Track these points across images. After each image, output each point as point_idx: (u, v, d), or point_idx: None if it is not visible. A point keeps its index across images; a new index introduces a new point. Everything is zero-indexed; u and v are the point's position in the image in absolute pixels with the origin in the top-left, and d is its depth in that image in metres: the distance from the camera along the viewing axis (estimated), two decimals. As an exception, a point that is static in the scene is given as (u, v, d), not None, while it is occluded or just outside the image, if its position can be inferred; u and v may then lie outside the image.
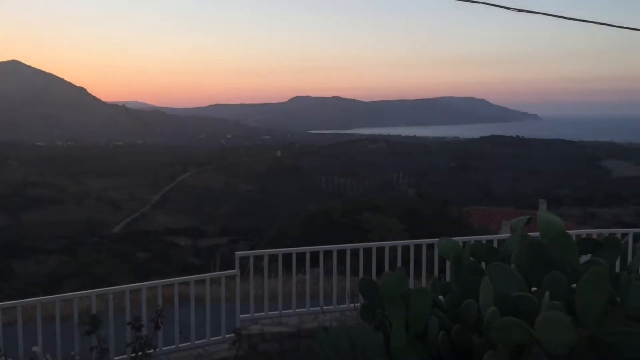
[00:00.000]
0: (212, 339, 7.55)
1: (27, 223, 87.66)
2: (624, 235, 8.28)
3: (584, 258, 3.88)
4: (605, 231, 8.41)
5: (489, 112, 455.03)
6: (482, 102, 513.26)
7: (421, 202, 29.37)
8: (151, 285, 7.38)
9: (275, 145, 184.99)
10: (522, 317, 3.14)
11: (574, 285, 3.34)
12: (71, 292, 7.51)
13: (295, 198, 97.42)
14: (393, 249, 8.07)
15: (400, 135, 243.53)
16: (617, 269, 4.51)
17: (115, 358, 6.74)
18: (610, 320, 3.28)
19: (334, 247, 8.10)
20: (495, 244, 7.44)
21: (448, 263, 6.47)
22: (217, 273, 8.03)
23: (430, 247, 7.82)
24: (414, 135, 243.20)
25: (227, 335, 7.55)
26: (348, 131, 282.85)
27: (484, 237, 8.42)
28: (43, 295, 7.50)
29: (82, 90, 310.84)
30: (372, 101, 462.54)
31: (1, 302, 6.90)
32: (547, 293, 3.20)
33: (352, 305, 7.48)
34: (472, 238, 8.05)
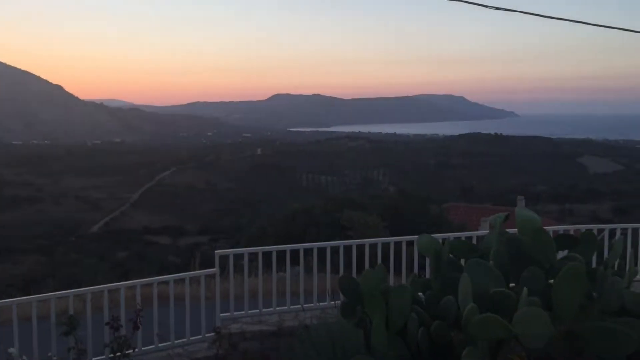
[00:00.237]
0: (192, 338, 7.51)
1: (4, 223, 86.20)
2: (601, 231, 8.41)
3: (562, 254, 3.93)
4: (582, 227, 8.52)
5: (467, 110, 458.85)
6: (461, 99, 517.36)
7: (402, 200, 29.49)
8: (130, 285, 7.31)
9: (255, 143, 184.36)
10: (500, 313, 3.17)
11: (552, 281, 3.38)
12: (48, 292, 7.42)
13: (276, 196, 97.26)
14: (373, 247, 8.10)
15: (380, 133, 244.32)
16: (594, 265, 4.57)
17: (93, 359, 6.67)
18: (587, 315, 3.32)
19: (314, 245, 8.10)
20: (474, 241, 7.50)
21: (428, 260, 6.51)
22: (196, 272, 7.99)
23: (410, 244, 7.85)
24: (395, 133, 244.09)
25: (207, 335, 7.52)
26: (329, 129, 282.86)
27: (463, 234, 8.49)
28: (20, 296, 7.38)
29: (59, 88, 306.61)
30: (352, 99, 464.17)
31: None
32: (525, 289, 3.22)
33: (332, 302, 7.48)
34: (452, 235, 8.10)
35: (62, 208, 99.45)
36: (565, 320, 3.19)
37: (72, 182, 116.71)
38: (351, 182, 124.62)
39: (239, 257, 7.97)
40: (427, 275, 6.77)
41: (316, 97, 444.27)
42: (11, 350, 5.66)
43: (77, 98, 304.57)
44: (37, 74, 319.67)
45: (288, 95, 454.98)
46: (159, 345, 7.24)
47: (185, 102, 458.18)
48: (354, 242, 8.21)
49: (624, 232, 8.58)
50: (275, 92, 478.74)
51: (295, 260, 8.11)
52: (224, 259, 7.72)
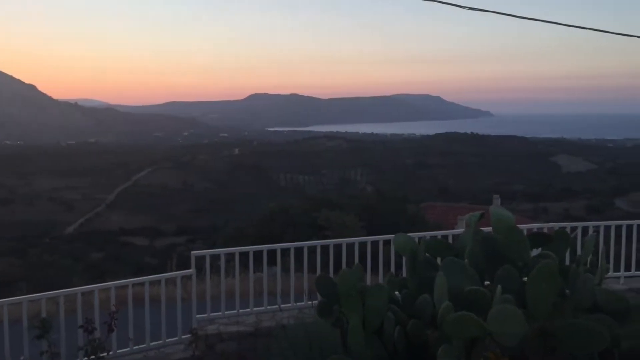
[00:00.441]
0: (168, 340, 7.44)
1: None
2: (574, 229, 8.51)
3: (536, 252, 3.97)
4: (556, 225, 8.63)
5: (444, 109, 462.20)
6: (438, 99, 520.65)
7: (379, 199, 29.59)
8: (104, 287, 7.21)
9: (233, 143, 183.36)
10: (475, 311, 3.19)
11: (526, 278, 3.41)
12: (21, 295, 7.28)
13: (254, 196, 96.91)
14: (350, 246, 8.10)
15: (358, 133, 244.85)
16: (568, 262, 4.63)
17: (67, 362, 6.56)
18: (560, 312, 3.36)
19: (291, 244, 8.08)
20: (450, 240, 7.55)
21: (405, 259, 6.53)
22: (172, 273, 7.92)
23: (387, 243, 7.86)
24: (372, 132, 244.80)
25: (183, 336, 7.46)
26: (306, 128, 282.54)
27: (439, 233, 8.53)
28: (-9, 300, 7.23)
29: (32, 87, 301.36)
30: (330, 98, 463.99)
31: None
32: (499, 287, 3.25)
33: (310, 302, 7.47)
34: (428, 234, 8.14)
35: (35, 209, 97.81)
36: (539, 318, 3.22)
37: (46, 183, 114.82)
38: (329, 182, 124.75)
39: (215, 258, 7.91)
40: (404, 275, 6.81)
41: (294, 96, 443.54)
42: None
43: (50, 98, 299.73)
44: (10, 74, 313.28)
45: (266, 94, 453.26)
46: (134, 347, 7.16)
47: (161, 101, 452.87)
48: (331, 241, 8.21)
49: (597, 229, 8.71)
50: (253, 92, 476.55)
51: (272, 261, 8.09)
52: (200, 259, 7.66)
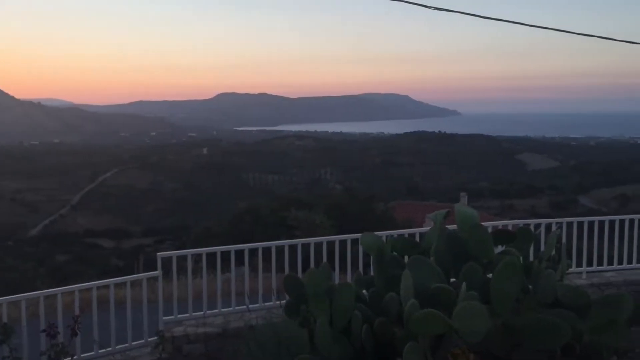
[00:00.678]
0: (133, 343, 7.35)
1: None
2: (538, 225, 8.67)
3: (501, 249, 4.03)
4: (520, 222, 8.78)
5: (412, 108, 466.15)
6: (406, 98, 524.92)
7: (348, 198, 29.70)
8: (67, 290, 7.07)
9: (201, 142, 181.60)
10: (441, 308, 3.22)
11: (490, 275, 3.45)
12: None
13: (223, 196, 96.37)
14: (319, 245, 8.10)
15: (327, 132, 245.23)
16: (532, 259, 4.70)
17: (30, 368, 6.42)
18: (523, 308, 3.41)
19: (259, 244, 8.05)
20: (417, 238, 7.61)
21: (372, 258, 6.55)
22: (138, 275, 7.82)
23: (355, 242, 7.90)
24: (341, 132, 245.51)
25: (149, 339, 7.37)
26: (275, 128, 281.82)
27: (406, 231, 8.60)
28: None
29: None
30: (299, 98, 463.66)
31: None
32: (464, 284, 3.28)
33: (278, 302, 7.45)
34: (396, 232, 8.20)
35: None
36: (502, 314, 3.26)
37: (8, 184, 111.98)
38: (298, 182, 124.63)
39: (182, 259, 7.83)
40: (372, 273, 6.84)
41: (263, 96, 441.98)
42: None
43: (13, 97, 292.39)
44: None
45: (234, 94, 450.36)
46: (100, 351, 7.04)
47: (127, 101, 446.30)
48: (299, 241, 8.20)
49: (560, 226, 8.88)
50: (221, 91, 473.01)
51: (240, 261, 8.04)
52: (167, 261, 7.58)
